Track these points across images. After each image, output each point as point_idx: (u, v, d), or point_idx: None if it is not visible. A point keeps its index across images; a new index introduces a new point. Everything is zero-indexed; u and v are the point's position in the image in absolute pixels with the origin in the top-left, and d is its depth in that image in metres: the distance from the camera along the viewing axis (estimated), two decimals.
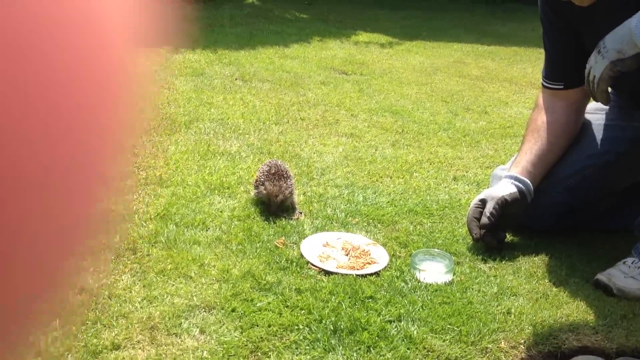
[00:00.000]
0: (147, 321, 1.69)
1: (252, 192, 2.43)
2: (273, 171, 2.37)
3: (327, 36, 6.46)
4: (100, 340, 1.59)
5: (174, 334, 1.65)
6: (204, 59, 4.96)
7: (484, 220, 2.19)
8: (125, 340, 1.60)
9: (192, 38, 4.91)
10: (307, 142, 3.25)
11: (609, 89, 2.09)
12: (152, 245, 2.08)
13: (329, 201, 2.54)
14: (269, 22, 6.79)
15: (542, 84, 2.45)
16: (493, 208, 2.20)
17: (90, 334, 1.61)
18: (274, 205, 2.33)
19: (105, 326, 1.65)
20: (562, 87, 2.37)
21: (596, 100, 2.12)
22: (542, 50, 2.48)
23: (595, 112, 2.44)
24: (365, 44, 6.35)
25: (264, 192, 2.34)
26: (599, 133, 2.38)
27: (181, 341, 1.62)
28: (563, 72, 2.37)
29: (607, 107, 2.42)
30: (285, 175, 2.37)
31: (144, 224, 2.21)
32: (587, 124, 2.43)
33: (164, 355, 1.56)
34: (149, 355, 1.55)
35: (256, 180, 2.40)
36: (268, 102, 3.93)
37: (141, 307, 1.75)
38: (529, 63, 5.88)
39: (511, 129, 3.75)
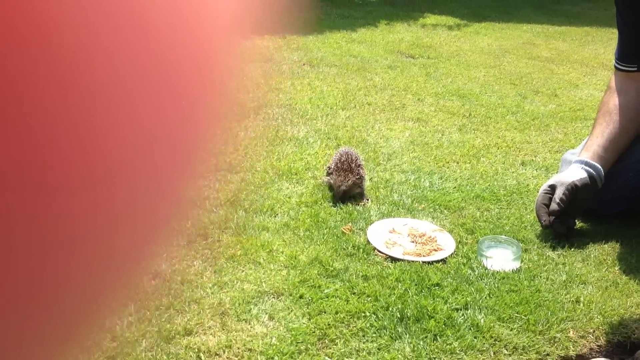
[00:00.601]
0: (217, 307, 1.73)
1: (324, 179, 2.47)
2: (343, 159, 2.40)
3: (395, 19, 6.43)
4: (173, 326, 1.64)
5: (243, 319, 1.69)
6: (272, 44, 4.99)
7: (553, 206, 2.16)
8: (197, 326, 1.65)
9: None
10: (374, 127, 3.25)
11: None
12: (222, 231, 2.12)
13: (395, 187, 2.55)
14: (336, 6, 6.79)
15: (615, 66, 2.40)
16: (563, 194, 2.17)
17: (163, 319, 1.67)
18: (338, 195, 2.36)
19: (177, 311, 1.70)
20: (635, 69, 2.32)
21: None
22: (615, 31, 2.43)
23: None
24: (433, 26, 6.30)
25: (330, 182, 2.38)
26: None
27: (251, 327, 1.66)
28: (637, 54, 2.32)
29: None
30: (353, 166, 2.38)
31: (215, 209, 2.26)
32: None
33: (234, 341, 1.60)
34: (219, 341, 1.59)
35: (328, 167, 2.44)
36: (335, 87, 3.95)
37: (212, 293, 1.79)
38: (600, 44, 5.74)
39: (582, 112, 3.68)
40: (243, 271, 1.91)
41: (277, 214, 2.27)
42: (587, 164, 2.23)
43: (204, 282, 1.84)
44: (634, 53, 2.33)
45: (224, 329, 1.65)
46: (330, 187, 2.42)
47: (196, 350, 1.56)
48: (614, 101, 2.35)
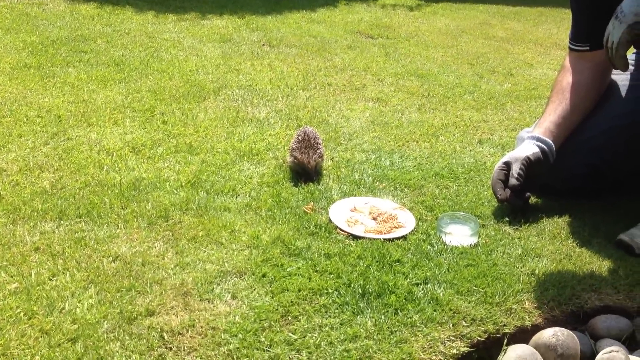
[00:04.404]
0: (180, 287, 1.74)
1: (288, 160, 2.48)
2: (300, 138, 2.42)
3: None
4: (135, 307, 1.65)
5: (206, 299, 1.70)
6: (231, 24, 4.97)
7: (513, 181, 2.20)
8: (160, 307, 1.66)
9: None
10: (334, 107, 3.27)
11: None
12: (184, 213, 2.13)
13: (356, 166, 2.57)
14: None
15: (569, 46, 2.44)
16: (519, 169, 2.21)
17: (125, 301, 1.67)
18: (312, 172, 2.38)
19: (139, 293, 1.71)
20: (588, 48, 2.36)
21: (615, 67, 2.10)
22: (568, 11, 2.47)
23: (621, 73, 2.43)
24: (392, 6, 6.32)
25: (295, 161, 2.39)
26: (624, 93, 2.37)
27: (213, 306, 1.67)
28: (589, 34, 2.35)
29: (632, 68, 2.41)
30: (313, 142, 2.41)
31: (175, 191, 2.26)
32: (612, 85, 2.42)
33: (197, 320, 1.61)
34: (182, 321, 1.61)
35: (291, 149, 2.45)
36: (295, 67, 3.96)
37: (174, 274, 1.80)
38: (554, 24, 5.82)
39: (536, 90, 3.74)
40: (205, 252, 1.92)
41: (239, 195, 2.28)
42: (538, 139, 2.27)
43: (166, 264, 1.85)
44: (586, 33, 2.37)
45: (186, 309, 1.66)
46: (292, 169, 2.44)
47: (159, 330, 1.57)
48: (567, 80, 2.40)
